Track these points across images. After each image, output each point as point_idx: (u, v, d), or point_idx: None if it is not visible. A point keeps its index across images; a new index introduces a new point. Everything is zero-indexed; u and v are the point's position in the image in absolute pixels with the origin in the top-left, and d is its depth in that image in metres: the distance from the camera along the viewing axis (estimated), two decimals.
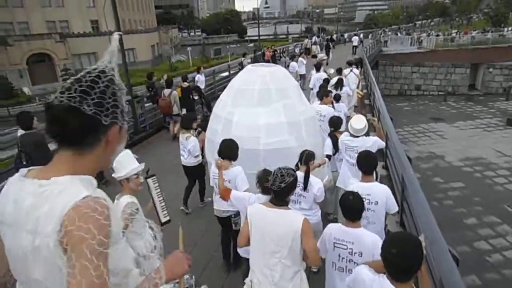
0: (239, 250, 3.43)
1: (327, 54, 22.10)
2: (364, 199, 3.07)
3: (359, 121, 4.51)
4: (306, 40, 31.58)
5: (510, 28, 36.68)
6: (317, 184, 3.65)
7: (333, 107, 6.71)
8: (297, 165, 3.79)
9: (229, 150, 3.71)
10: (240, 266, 3.99)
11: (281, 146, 4.26)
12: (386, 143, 5.59)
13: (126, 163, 2.85)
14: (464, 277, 3.06)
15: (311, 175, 3.67)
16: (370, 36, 41.31)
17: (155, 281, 1.28)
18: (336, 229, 2.74)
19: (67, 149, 1.16)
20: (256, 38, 74.99)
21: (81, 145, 1.15)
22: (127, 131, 1.29)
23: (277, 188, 2.47)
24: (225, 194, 3.27)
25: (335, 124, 5.15)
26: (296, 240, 2.42)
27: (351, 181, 4.00)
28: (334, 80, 8.65)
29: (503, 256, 9.42)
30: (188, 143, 5.22)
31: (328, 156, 4.74)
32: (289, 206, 2.63)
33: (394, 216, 4.91)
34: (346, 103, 8.00)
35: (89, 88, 1.12)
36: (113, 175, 2.87)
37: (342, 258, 2.68)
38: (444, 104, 26.61)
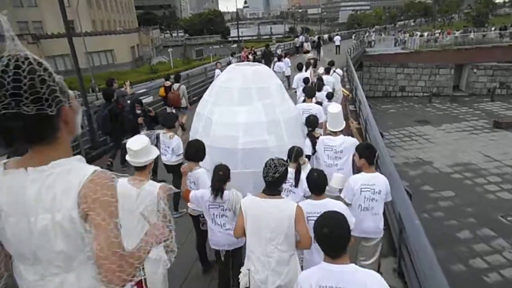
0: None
1: (318, 51, 23.45)
2: (368, 190, 3.37)
3: (335, 107, 4.54)
4: (296, 39, 31.16)
5: (493, 28, 36.73)
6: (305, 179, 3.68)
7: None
8: (286, 161, 3.74)
9: (194, 152, 3.70)
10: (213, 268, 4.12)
11: (260, 146, 4.20)
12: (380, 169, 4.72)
13: (150, 147, 3.01)
14: None
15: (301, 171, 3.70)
16: (353, 37, 40.69)
17: (154, 237, 1.52)
18: (306, 205, 2.94)
19: (39, 145, 1.25)
20: (240, 39, 74.08)
21: (45, 139, 1.24)
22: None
23: (272, 178, 2.62)
24: (186, 196, 3.41)
25: (312, 123, 5.03)
26: (291, 226, 2.58)
27: (336, 174, 3.89)
28: (315, 79, 8.54)
29: (501, 275, 8.70)
30: (172, 142, 5.25)
31: (308, 156, 4.72)
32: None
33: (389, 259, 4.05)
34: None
35: (16, 89, 1.11)
36: (139, 160, 2.93)
37: None
38: (430, 105, 26.20)
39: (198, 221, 3.97)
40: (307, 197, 3.66)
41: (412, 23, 70.58)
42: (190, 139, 4.70)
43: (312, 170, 3.20)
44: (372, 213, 3.40)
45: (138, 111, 6.63)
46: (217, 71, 12.18)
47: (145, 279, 2.48)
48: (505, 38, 31.83)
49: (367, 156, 3.46)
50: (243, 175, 3.92)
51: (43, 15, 40.88)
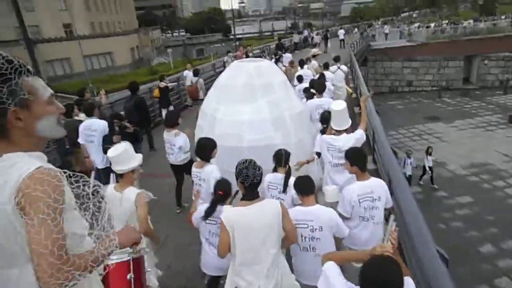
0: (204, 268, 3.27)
1: (326, 44, 24.98)
2: (368, 199, 3.10)
3: (339, 104, 4.22)
4: (294, 35, 30.39)
5: (503, 17, 35.15)
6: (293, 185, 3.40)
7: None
8: (275, 167, 3.68)
9: (201, 151, 3.70)
10: None
11: (265, 143, 4.15)
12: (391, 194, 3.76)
13: (134, 156, 3.04)
14: None
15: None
16: (355, 31, 39.16)
17: (108, 242, 1.46)
18: (295, 212, 2.83)
19: None
20: (241, 36, 72.97)
21: None
22: None
23: (256, 180, 2.46)
24: (189, 220, 3.19)
25: (326, 120, 4.71)
26: (279, 224, 2.48)
27: (328, 187, 3.84)
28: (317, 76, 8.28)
29: None
30: (178, 140, 5.01)
31: (318, 154, 4.48)
32: None
33: None
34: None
35: None
36: (118, 168, 2.98)
37: (305, 237, 2.82)
38: (439, 101, 24.96)
39: None
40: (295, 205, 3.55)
41: (415, 15, 68.49)
42: (195, 137, 4.59)
43: (299, 177, 3.11)
44: (373, 223, 3.13)
45: (116, 128, 5.51)
46: (186, 72, 11.99)
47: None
48: None
49: (359, 162, 3.17)
50: None
51: (40, 19, 40.32)
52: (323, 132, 4.69)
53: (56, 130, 1.42)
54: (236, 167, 2.52)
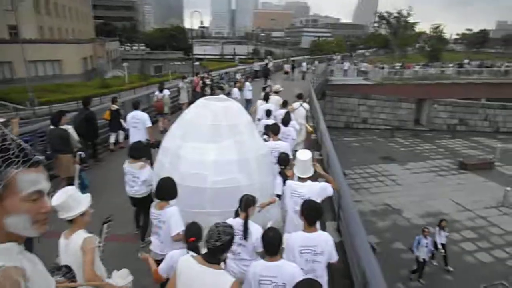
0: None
1: (293, 73, 28.08)
2: (309, 252, 3.15)
3: (305, 154, 4.31)
4: (255, 64, 30.89)
5: (451, 65, 37.85)
6: (256, 232, 3.37)
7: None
8: (237, 211, 3.57)
9: (162, 192, 3.61)
10: None
11: (229, 185, 4.15)
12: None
13: (81, 199, 2.87)
14: None
15: (251, 222, 3.46)
16: (315, 64, 39.96)
17: None
18: (259, 266, 2.82)
19: None
20: (202, 57, 72.15)
21: None
22: None
23: (212, 246, 2.40)
24: (157, 277, 2.98)
25: (283, 161, 4.85)
26: None
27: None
28: (280, 112, 8.03)
29: None
30: (143, 173, 4.88)
31: (278, 196, 4.52)
32: (228, 256, 3.08)
33: None
34: (294, 136, 7.42)
35: None
36: (65, 215, 2.74)
37: None
38: (393, 140, 25.53)
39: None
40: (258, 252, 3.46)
41: (368, 53, 72.57)
42: (155, 174, 4.53)
43: (268, 229, 3.02)
44: (314, 276, 2.98)
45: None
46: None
47: None
48: (462, 75, 32.58)
49: (307, 216, 3.19)
50: (211, 216, 3.79)
51: None
52: (280, 173, 4.69)
53: (29, 230, 1.20)
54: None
